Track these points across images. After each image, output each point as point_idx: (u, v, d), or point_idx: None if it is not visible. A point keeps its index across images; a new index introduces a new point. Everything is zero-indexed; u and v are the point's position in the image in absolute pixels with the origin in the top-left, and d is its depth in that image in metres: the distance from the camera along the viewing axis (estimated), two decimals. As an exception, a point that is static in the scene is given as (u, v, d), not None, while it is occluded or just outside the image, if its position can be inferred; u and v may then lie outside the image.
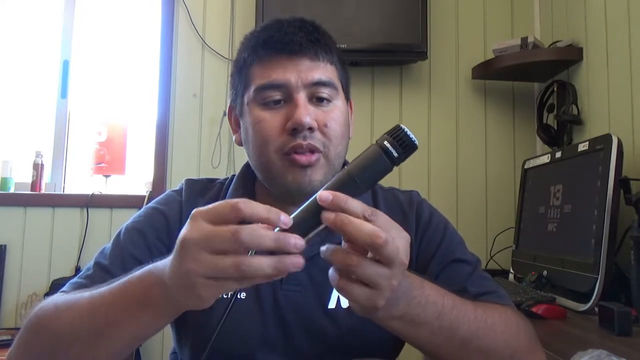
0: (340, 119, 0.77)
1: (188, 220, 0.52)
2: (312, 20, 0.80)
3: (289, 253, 0.49)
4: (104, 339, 0.60)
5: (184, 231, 0.52)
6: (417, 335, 0.61)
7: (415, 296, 0.58)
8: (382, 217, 0.52)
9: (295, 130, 0.72)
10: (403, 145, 0.52)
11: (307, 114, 0.72)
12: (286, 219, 0.50)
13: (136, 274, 0.59)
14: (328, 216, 0.50)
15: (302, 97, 0.73)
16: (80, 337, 0.61)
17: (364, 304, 0.52)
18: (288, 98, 0.74)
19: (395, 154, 0.52)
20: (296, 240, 0.49)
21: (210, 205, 0.52)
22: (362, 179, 0.52)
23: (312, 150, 0.73)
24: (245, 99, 0.78)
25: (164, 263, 0.55)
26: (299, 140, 0.72)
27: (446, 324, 0.61)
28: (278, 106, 0.75)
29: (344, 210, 0.50)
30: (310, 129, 0.72)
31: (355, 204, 0.50)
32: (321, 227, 0.52)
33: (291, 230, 0.50)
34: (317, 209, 0.51)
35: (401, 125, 0.54)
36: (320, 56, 0.76)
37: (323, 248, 0.53)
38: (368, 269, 0.51)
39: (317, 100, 0.75)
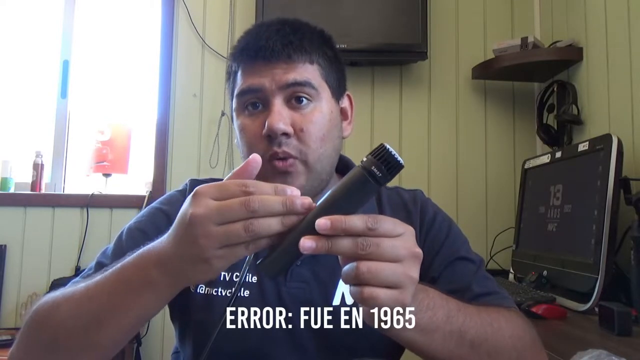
0: (321, 121, 0.76)
1: (189, 198, 0.53)
2: (294, 20, 0.79)
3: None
4: (105, 326, 0.60)
5: (188, 208, 0.52)
6: (431, 344, 0.60)
7: (422, 299, 0.58)
8: (385, 222, 0.51)
9: (270, 137, 0.72)
10: (388, 166, 0.51)
11: (279, 120, 0.72)
12: (294, 191, 0.52)
13: (128, 259, 0.60)
14: (309, 247, 0.50)
15: (277, 101, 0.74)
16: (81, 325, 0.61)
17: (393, 305, 0.51)
18: (265, 103, 0.75)
19: (380, 176, 0.51)
20: (302, 200, 0.51)
21: (213, 184, 0.53)
22: (349, 203, 0.52)
23: (287, 157, 0.73)
24: (233, 105, 0.80)
25: (160, 242, 0.56)
26: (275, 148, 0.73)
27: (455, 327, 0.61)
28: (257, 111, 0.76)
29: (346, 231, 0.49)
30: (286, 134, 0.72)
31: (354, 221, 0.50)
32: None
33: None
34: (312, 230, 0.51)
35: (385, 144, 0.52)
36: (295, 58, 0.75)
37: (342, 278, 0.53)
38: (379, 268, 0.50)
39: (296, 101, 0.75)
